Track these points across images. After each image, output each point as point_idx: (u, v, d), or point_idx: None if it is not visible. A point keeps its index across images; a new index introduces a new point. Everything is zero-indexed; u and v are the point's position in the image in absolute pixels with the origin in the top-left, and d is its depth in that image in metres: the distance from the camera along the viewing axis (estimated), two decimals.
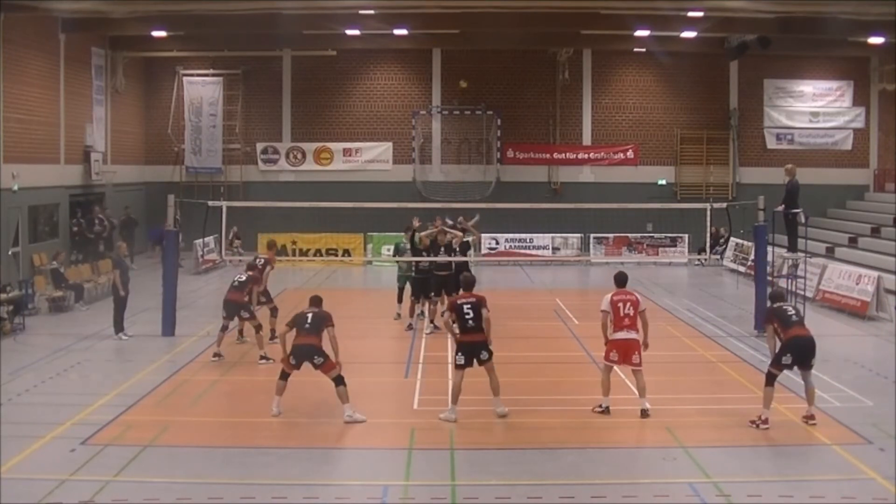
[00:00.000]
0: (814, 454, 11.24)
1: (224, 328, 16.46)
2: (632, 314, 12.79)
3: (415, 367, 16.03)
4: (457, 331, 12.58)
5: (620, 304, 12.81)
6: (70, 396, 13.75)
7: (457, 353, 12.64)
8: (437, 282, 18.95)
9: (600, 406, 12.80)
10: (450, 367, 15.58)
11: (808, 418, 12.29)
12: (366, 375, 15.62)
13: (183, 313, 19.60)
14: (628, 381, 13.46)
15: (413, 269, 19.36)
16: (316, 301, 13.32)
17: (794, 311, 12.62)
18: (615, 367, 13.09)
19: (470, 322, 12.47)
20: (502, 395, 12.79)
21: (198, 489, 9.81)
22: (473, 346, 12.50)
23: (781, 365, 12.26)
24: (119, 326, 18.34)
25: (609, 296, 12.95)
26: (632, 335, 12.78)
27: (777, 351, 12.28)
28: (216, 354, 16.19)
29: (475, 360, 12.57)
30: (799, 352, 12.19)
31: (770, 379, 12.31)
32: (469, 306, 12.55)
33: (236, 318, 16.80)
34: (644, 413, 12.66)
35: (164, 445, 11.46)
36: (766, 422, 12.08)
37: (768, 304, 13.15)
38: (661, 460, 10.98)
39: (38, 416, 12.57)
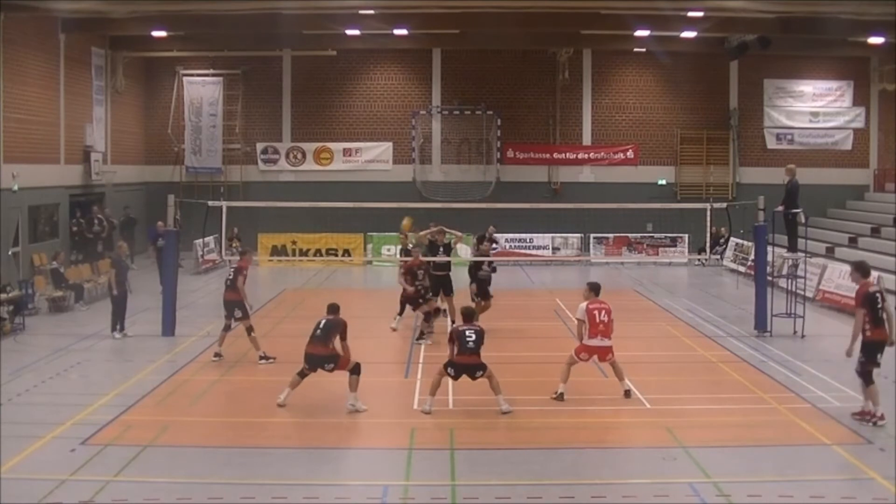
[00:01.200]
0: (814, 454, 11.23)
1: (226, 328, 16.43)
2: (606, 321, 13.41)
3: (415, 367, 16.03)
4: (455, 351, 12.96)
5: (596, 312, 13.42)
6: (70, 396, 13.75)
7: (448, 367, 12.97)
8: (434, 282, 19.02)
9: (556, 393, 13.43)
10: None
11: (870, 416, 12.19)
12: (366, 375, 15.54)
13: (183, 313, 19.60)
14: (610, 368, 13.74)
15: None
16: (332, 309, 13.52)
17: (881, 304, 12.37)
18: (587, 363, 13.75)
19: (470, 344, 12.83)
20: (503, 394, 12.83)
21: (198, 489, 9.81)
22: (466, 366, 12.87)
23: (877, 362, 12.29)
24: (115, 325, 18.39)
25: (584, 304, 13.54)
26: (605, 342, 13.45)
27: (867, 349, 12.16)
28: (216, 354, 16.17)
29: (465, 376, 12.95)
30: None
31: (870, 376, 12.26)
32: (472, 332, 12.97)
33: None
34: (627, 394, 13.50)
35: (164, 445, 11.46)
36: (882, 417, 12.13)
37: (855, 276, 12.75)
38: (661, 460, 10.97)
39: (38, 416, 12.56)
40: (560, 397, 13.41)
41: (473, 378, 12.95)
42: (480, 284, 19.20)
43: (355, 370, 12.93)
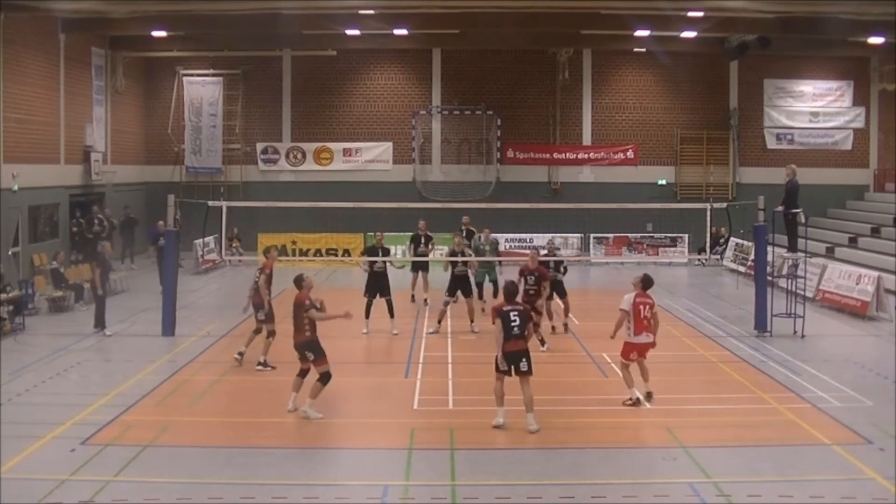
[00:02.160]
0: (814, 454, 11.23)
1: (257, 330, 15.93)
2: (649, 317, 13.13)
3: (415, 367, 16.03)
4: (501, 339, 12.16)
5: (641, 307, 13.10)
6: (70, 396, 13.75)
7: (499, 363, 12.16)
8: (453, 282, 19.31)
9: (630, 399, 13.11)
10: (450, 366, 15.67)
11: None
12: (366, 375, 15.66)
13: (183, 313, 19.61)
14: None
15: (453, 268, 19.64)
16: (297, 282, 13.13)
17: None
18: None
19: (515, 330, 12.12)
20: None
21: (198, 489, 9.81)
22: (517, 354, 12.11)
23: None
24: (100, 323, 18.48)
25: (632, 296, 13.18)
26: (650, 339, 13.20)
27: None
28: (239, 353, 15.82)
29: (515, 369, 12.13)
30: None
31: None
32: (516, 314, 12.24)
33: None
34: (649, 396, 13.12)
35: (164, 445, 11.46)
36: None
37: None
38: (661, 460, 10.98)
39: (38, 416, 12.57)
40: (637, 402, 13.08)
41: (518, 371, 12.05)
42: (553, 286, 18.85)
43: (325, 378, 12.53)
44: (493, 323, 12.39)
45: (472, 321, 18.92)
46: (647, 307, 13.14)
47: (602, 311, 18.75)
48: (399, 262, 22.08)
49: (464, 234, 22.84)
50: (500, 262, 21.98)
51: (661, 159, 34.40)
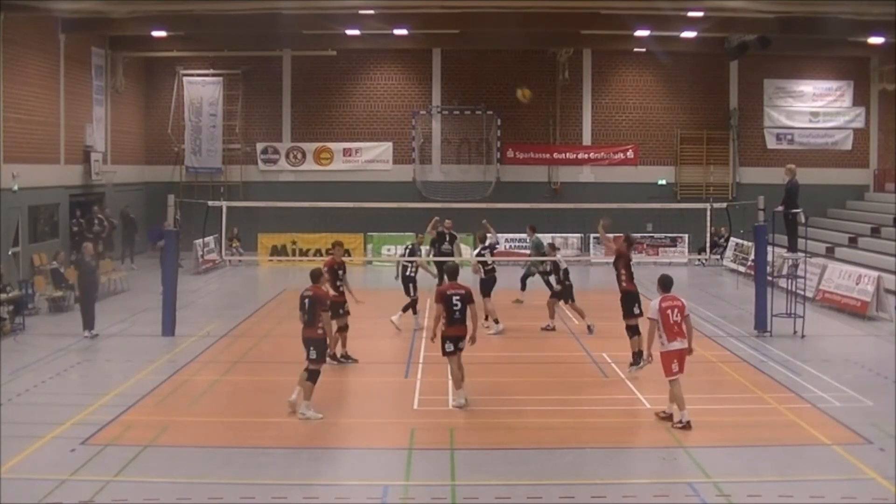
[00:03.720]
0: (814, 454, 11.23)
1: (339, 328, 15.68)
2: (679, 321, 12.23)
3: (415, 367, 16.02)
4: (443, 323, 12.94)
5: (669, 312, 12.19)
6: (70, 396, 13.76)
7: (445, 343, 12.96)
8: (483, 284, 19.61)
9: (681, 421, 12.03)
10: (450, 367, 15.63)
11: None
12: (366, 375, 15.66)
13: (183, 313, 19.60)
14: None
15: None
16: (314, 276, 13.02)
17: None
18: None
19: (457, 314, 12.84)
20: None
21: (198, 489, 9.81)
22: (458, 338, 12.94)
23: None
24: (86, 325, 18.46)
25: (657, 302, 12.31)
26: (684, 344, 12.28)
27: None
28: (345, 357, 15.88)
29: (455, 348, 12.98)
30: None
31: None
32: (458, 298, 12.88)
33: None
34: (688, 424, 12.01)
35: (164, 445, 11.46)
36: None
37: None
38: (661, 460, 10.98)
39: (38, 416, 12.56)
40: (688, 426, 11.90)
41: (457, 349, 12.95)
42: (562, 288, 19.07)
43: (312, 376, 12.46)
44: (436, 303, 13.03)
45: (496, 321, 19.15)
46: (676, 310, 12.17)
47: (602, 310, 18.73)
48: (428, 261, 21.91)
49: (447, 238, 22.74)
50: (543, 257, 21.77)
51: (661, 159, 34.41)
